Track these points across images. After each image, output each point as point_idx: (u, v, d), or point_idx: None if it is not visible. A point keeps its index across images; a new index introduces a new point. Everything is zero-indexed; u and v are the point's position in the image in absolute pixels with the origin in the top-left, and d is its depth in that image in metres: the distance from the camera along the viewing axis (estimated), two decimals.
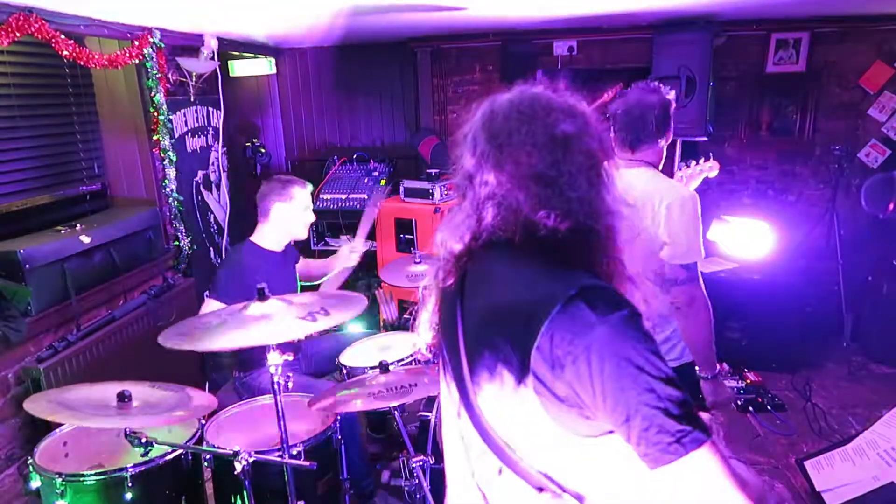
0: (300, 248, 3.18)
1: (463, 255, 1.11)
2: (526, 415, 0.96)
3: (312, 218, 2.89)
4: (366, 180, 4.65)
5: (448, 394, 1.15)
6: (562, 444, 0.96)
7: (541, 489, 1.00)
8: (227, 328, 1.83)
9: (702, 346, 2.09)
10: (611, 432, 0.94)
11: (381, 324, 3.90)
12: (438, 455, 2.33)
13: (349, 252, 3.19)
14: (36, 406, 1.87)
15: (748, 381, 3.75)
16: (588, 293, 0.92)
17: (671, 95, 2.20)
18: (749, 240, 4.07)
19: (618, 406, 0.88)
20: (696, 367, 2.12)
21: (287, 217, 2.78)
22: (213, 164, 4.15)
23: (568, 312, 0.91)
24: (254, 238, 2.84)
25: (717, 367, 2.12)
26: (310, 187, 2.90)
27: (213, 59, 3.78)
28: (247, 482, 1.91)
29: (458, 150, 1.11)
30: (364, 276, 4.54)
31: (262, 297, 1.95)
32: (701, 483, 0.87)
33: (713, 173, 2.70)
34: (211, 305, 2.60)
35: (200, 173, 4.00)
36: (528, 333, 0.93)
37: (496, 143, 1.04)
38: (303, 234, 2.89)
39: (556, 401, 0.92)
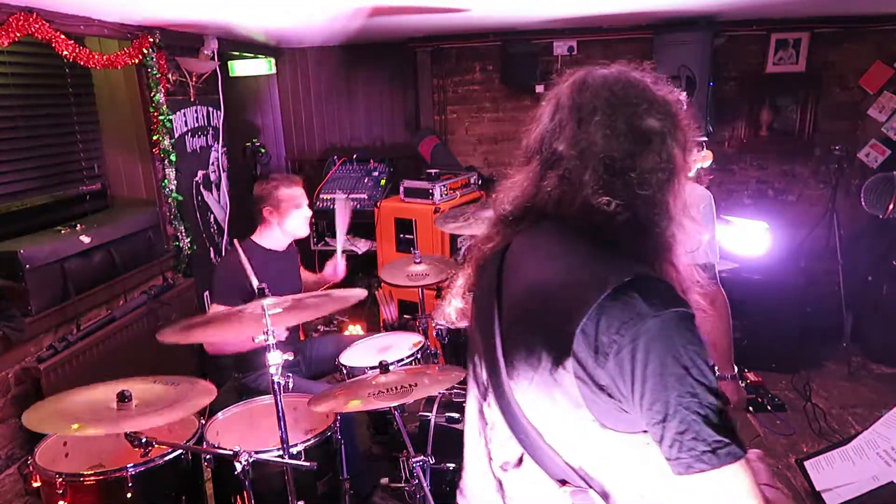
0: (300, 247, 3.18)
1: (512, 218, 1.08)
2: (561, 400, 0.91)
3: (308, 213, 2.87)
4: (366, 180, 4.65)
5: (475, 373, 1.11)
6: (594, 436, 0.92)
7: (563, 482, 0.96)
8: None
9: (723, 346, 2.10)
10: (644, 431, 0.89)
11: (381, 324, 3.90)
12: (438, 455, 2.33)
13: (333, 268, 3.14)
14: (35, 418, 1.82)
15: (748, 381, 3.75)
16: (643, 284, 0.88)
17: (682, 96, 2.18)
18: (749, 240, 4.07)
19: (655, 404, 0.84)
20: (716, 368, 2.12)
21: (282, 221, 2.79)
22: (213, 164, 4.15)
23: (619, 300, 0.86)
24: (254, 237, 2.84)
25: (735, 367, 2.14)
26: (297, 184, 2.86)
27: (213, 59, 3.78)
28: (247, 482, 1.91)
29: (539, 111, 1.06)
30: (364, 276, 4.54)
31: (262, 296, 1.95)
32: (727, 500, 0.83)
33: (707, 163, 2.69)
34: (216, 310, 2.60)
35: (200, 173, 4.00)
36: (573, 315, 0.88)
37: (577, 115, 0.99)
38: (303, 232, 2.88)
39: (595, 389, 0.88)
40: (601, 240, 0.96)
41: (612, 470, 0.94)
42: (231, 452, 1.89)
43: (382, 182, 4.60)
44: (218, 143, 4.19)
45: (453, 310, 1.21)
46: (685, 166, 1.00)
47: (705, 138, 4.04)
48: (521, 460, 1.01)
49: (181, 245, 3.62)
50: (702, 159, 2.67)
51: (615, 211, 0.95)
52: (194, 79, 3.79)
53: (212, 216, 4.13)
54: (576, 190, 0.98)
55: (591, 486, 0.95)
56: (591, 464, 0.94)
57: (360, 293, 2.12)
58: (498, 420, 1.03)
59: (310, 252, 4.51)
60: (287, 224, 2.80)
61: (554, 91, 1.06)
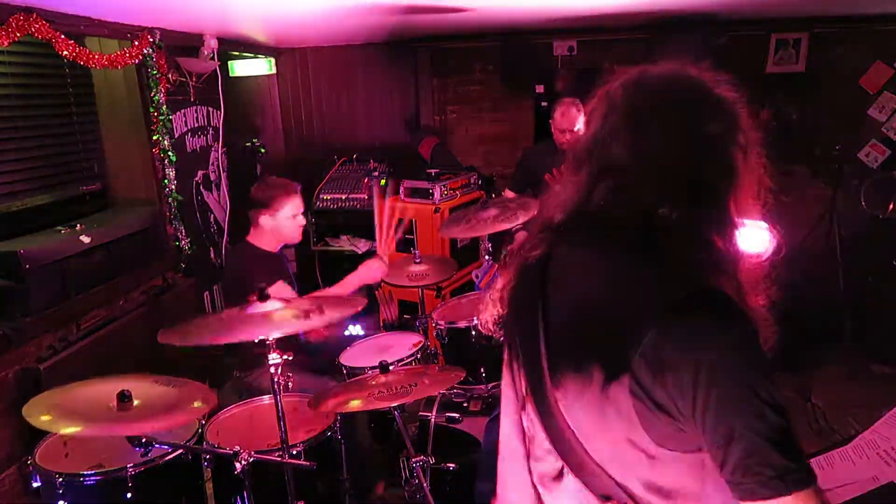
0: (299, 247, 3.18)
1: (560, 226, 1.02)
2: (613, 417, 0.88)
3: (302, 222, 2.87)
4: (366, 180, 4.65)
5: (513, 382, 1.07)
6: (645, 454, 0.88)
7: (608, 498, 0.93)
8: (226, 324, 1.84)
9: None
10: (699, 449, 0.86)
11: (381, 324, 3.90)
12: (438, 455, 2.33)
13: (377, 264, 2.90)
14: (33, 412, 1.83)
15: None
16: (705, 299, 0.85)
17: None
18: (748, 240, 4.07)
19: (719, 426, 0.80)
20: None
21: (273, 226, 2.80)
22: (213, 164, 4.15)
23: (681, 316, 0.83)
24: (250, 238, 2.86)
25: None
26: (297, 194, 2.84)
27: (213, 59, 3.78)
28: (247, 482, 1.91)
29: (588, 113, 1.00)
30: None
31: (262, 297, 1.95)
32: None
33: None
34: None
35: (200, 173, 4.00)
36: (631, 330, 0.85)
37: (633, 120, 0.93)
38: (295, 239, 2.88)
39: (652, 406, 0.85)
40: (659, 252, 0.90)
41: (663, 489, 0.90)
42: (231, 452, 1.89)
43: (382, 182, 4.60)
44: (218, 143, 4.19)
45: (490, 317, 1.16)
46: (747, 171, 0.94)
47: None
48: (561, 474, 0.98)
49: (181, 245, 3.62)
50: None
51: (674, 222, 0.90)
52: (194, 79, 3.79)
53: (212, 216, 4.13)
54: (631, 199, 0.92)
55: None
56: (641, 481, 0.91)
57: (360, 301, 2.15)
58: (537, 432, 1.00)
59: (310, 253, 4.51)
60: (281, 232, 2.82)
61: (604, 91, 0.99)
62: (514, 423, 1.08)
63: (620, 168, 0.93)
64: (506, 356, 1.11)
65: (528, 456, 1.05)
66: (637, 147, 0.92)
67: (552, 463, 0.99)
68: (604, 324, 0.91)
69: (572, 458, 0.94)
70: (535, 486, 1.04)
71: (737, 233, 0.94)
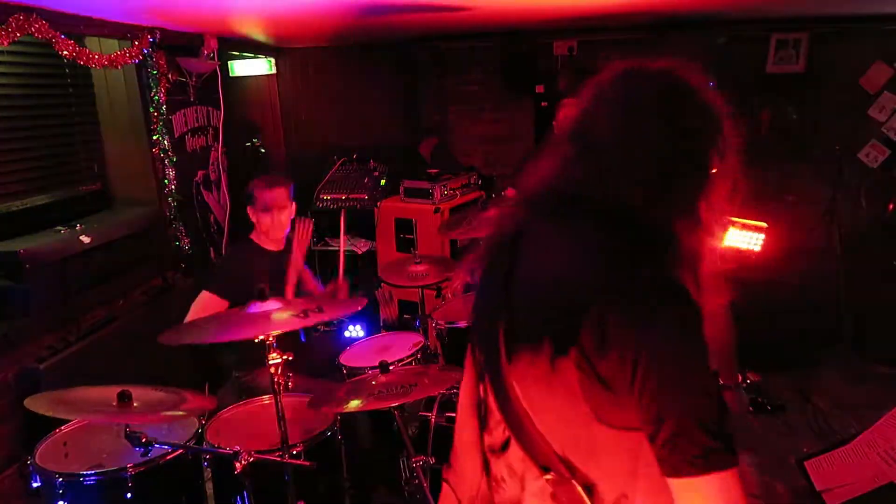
0: None
1: (534, 202, 1.06)
2: (559, 389, 0.92)
3: (281, 217, 2.82)
4: (366, 180, 4.65)
5: (473, 352, 1.12)
6: (586, 428, 0.92)
7: (547, 469, 0.96)
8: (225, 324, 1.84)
9: (725, 352, 2.08)
10: (637, 430, 0.89)
11: (381, 324, 3.90)
12: (438, 455, 2.33)
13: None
14: (36, 403, 1.86)
15: (749, 381, 3.75)
16: (658, 281, 0.89)
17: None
18: (748, 240, 4.07)
19: (653, 403, 0.84)
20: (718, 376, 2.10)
21: (260, 220, 2.80)
22: (213, 163, 4.15)
23: (633, 293, 0.87)
24: (253, 236, 2.87)
25: (738, 375, 2.12)
26: (279, 186, 2.82)
27: (213, 59, 3.78)
28: (247, 482, 1.91)
29: (579, 97, 1.03)
30: (364, 276, 4.54)
31: (261, 297, 1.96)
32: None
33: None
34: (204, 298, 2.61)
35: (200, 173, 4.00)
36: (583, 307, 0.88)
37: (620, 107, 0.97)
38: (273, 233, 2.83)
39: (595, 381, 0.88)
40: (622, 236, 0.94)
41: (599, 464, 0.94)
42: (231, 452, 1.89)
43: (382, 182, 4.60)
44: (218, 143, 4.18)
45: (460, 284, 1.20)
46: (722, 173, 0.97)
47: None
48: (507, 444, 1.02)
49: (181, 245, 3.62)
50: None
51: (643, 209, 0.93)
52: (194, 79, 3.78)
53: (212, 216, 4.13)
54: (606, 183, 0.95)
55: (574, 478, 0.95)
56: (580, 455, 0.95)
57: (361, 301, 2.15)
58: (490, 402, 1.04)
59: (310, 253, 4.50)
60: (263, 224, 2.81)
61: (596, 80, 1.02)
62: (470, 393, 1.13)
63: (601, 150, 0.97)
64: (471, 327, 1.15)
65: (478, 426, 1.10)
66: (619, 131, 0.96)
67: (501, 433, 1.03)
68: (560, 299, 0.94)
69: (519, 428, 0.98)
70: (483, 455, 1.09)
71: (703, 231, 0.97)
